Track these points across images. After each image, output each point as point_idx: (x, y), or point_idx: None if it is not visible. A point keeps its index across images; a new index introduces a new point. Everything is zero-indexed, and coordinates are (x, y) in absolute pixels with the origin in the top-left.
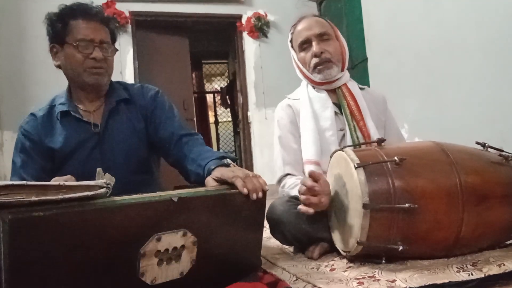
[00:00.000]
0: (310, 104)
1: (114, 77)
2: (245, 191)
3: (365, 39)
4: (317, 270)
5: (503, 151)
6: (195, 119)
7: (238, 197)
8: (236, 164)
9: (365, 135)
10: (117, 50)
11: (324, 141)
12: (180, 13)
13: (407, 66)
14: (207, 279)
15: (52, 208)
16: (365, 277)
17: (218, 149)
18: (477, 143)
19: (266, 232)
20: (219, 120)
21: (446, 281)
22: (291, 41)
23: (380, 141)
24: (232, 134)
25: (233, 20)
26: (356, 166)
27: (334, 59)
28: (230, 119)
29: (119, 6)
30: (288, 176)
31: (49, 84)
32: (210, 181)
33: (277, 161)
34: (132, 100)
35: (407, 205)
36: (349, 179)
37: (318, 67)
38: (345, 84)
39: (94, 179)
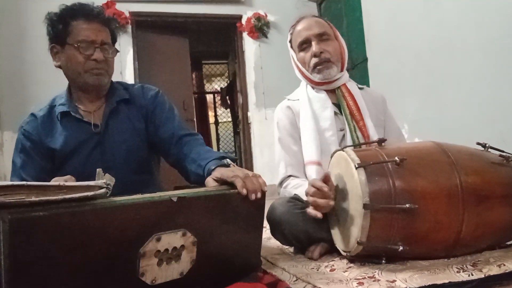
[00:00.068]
0: (309, 105)
1: (114, 77)
2: (244, 191)
3: (365, 39)
4: (317, 270)
5: (503, 151)
6: (195, 119)
7: (237, 197)
8: (236, 164)
9: (365, 135)
10: (118, 51)
11: (324, 141)
12: (180, 13)
13: (407, 66)
14: (207, 279)
15: (52, 208)
16: (365, 278)
17: (218, 149)
18: (478, 143)
19: (266, 232)
20: (219, 121)
21: (446, 281)
22: (290, 41)
23: (381, 141)
24: (232, 134)
25: (233, 21)
26: (356, 166)
27: (333, 59)
28: (230, 119)
29: (119, 6)
30: (291, 178)
31: (49, 84)
32: (210, 181)
33: (279, 164)
34: (132, 100)
35: (407, 205)
36: (349, 179)
37: (318, 67)
38: (344, 84)
39: (94, 179)
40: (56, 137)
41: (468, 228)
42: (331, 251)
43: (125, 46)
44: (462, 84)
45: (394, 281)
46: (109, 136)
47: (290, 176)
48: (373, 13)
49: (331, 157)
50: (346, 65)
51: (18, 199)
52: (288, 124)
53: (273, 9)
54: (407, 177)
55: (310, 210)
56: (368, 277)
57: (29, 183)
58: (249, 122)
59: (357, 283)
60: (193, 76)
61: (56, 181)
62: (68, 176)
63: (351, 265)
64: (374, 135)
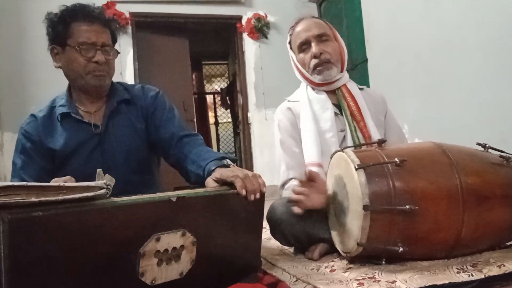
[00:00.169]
0: (309, 106)
1: (114, 78)
2: (243, 192)
3: (365, 39)
4: (317, 271)
5: (503, 152)
6: (195, 120)
7: (236, 197)
8: (236, 164)
9: (366, 136)
10: (118, 52)
11: (324, 142)
12: (180, 14)
13: (407, 66)
14: (207, 279)
15: (52, 208)
16: (365, 278)
17: (218, 150)
18: (478, 144)
19: (266, 233)
20: (219, 121)
21: (446, 282)
22: (289, 42)
23: (381, 142)
24: (232, 135)
25: (233, 21)
26: (356, 167)
27: (333, 60)
28: (230, 120)
29: (119, 7)
30: (293, 180)
31: (49, 84)
32: (210, 182)
33: (280, 166)
34: (132, 101)
35: (407, 206)
36: (349, 180)
37: (318, 68)
38: (344, 85)
39: (95, 180)
40: (57, 138)
41: (468, 229)
42: (331, 251)
43: (125, 46)
44: (462, 84)
45: (394, 281)
46: (109, 137)
47: (291, 178)
48: (373, 13)
49: (331, 158)
50: (346, 65)
51: (18, 199)
52: (289, 125)
53: (273, 9)
54: (407, 178)
55: (294, 208)
56: (368, 277)
57: (29, 183)
58: (249, 122)
59: (357, 284)
60: (193, 76)
61: (55, 182)
62: (68, 177)
63: (351, 265)
64: (375, 135)
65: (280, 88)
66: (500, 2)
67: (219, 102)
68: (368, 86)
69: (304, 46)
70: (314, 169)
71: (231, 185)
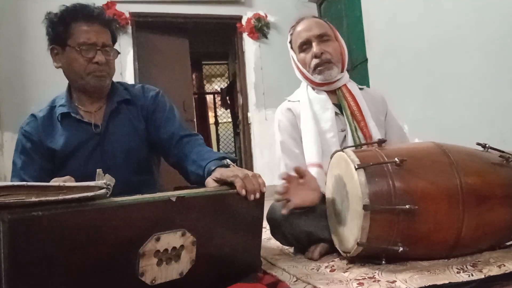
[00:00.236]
0: (310, 106)
1: (114, 78)
2: (243, 192)
3: (365, 40)
4: (317, 271)
5: (503, 152)
6: (195, 120)
7: (236, 197)
8: (236, 164)
9: (367, 136)
10: (119, 52)
11: (325, 142)
12: (180, 14)
13: (407, 66)
14: (207, 279)
15: (51, 208)
16: (365, 278)
17: (218, 150)
18: (478, 144)
19: (266, 233)
20: (219, 121)
21: (446, 282)
22: (290, 42)
23: (381, 142)
24: (232, 135)
25: (233, 21)
26: (356, 167)
27: (334, 60)
28: (230, 120)
29: (119, 7)
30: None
31: (49, 84)
32: (210, 182)
33: (280, 166)
34: (132, 100)
35: (407, 206)
36: (349, 180)
37: (319, 68)
38: (345, 85)
39: (95, 180)
40: (57, 138)
41: (468, 229)
42: (331, 251)
43: (125, 46)
44: (462, 84)
45: (394, 281)
46: (109, 137)
47: None
48: (373, 13)
49: (331, 157)
50: (346, 65)
51: (18, 199)
52: (289, 126)
53: (273, 9)
54: (407, 178)
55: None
56: (368, 277)
57: (29, 183)
58: (249, 122)
59: (357, 284)
60: (193, 76)
61: (55, 182)
62: (67, 177)
63: (351, 265)
64: (376, 135)
65: (280, 88)
66: (500, 2)
67: (219, 102)
68: (368, 86)
69: (305, 46)
70: (314, 169)
71: (231, 185)
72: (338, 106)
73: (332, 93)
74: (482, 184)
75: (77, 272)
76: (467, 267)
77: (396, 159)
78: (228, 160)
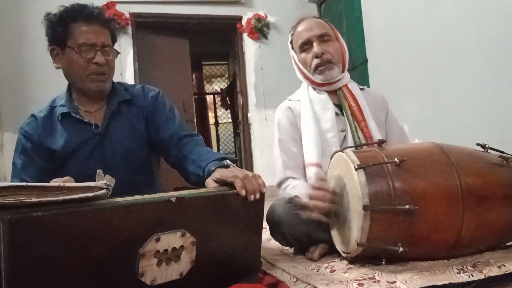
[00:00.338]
0: (310, 106)
1: (114, 78)
2: (243, 192)
3: (365, 40)
4: (317, 271)
5: (503, 152)
6: (195, 120)
7: (236, 197)
8: (236, 165)
9: (367, 136)
10: (118, 53)
11: (325, 142)
12: (180, 14)
13: (407, 66)
14: (207, 280)
15: (51, 208)
16: (365, 279)
17: (218, 150)
18: (478, 144)
19: (266, 233)
20: (219, 121)
21: (446, 282)
22: (291, 42)
23: (381, 142)
24: (232, 135)
25: (233, 22)
26: (356, 167)
27: (334, 60)
28: (230, 120)
29: (120, 7)
30: (290, 179)
31: (49, 84)
32: (210, 182)
33: (277, 165)
34: (133, 101)
35: (407, 206)
36: (349, 180)
37: (319, 68)
38: (345, 85)
39: (95, 180)
40: (57, 138)
41: (468, 229)
42: (331, 252)
43: (125, 47)
44: (462, 84)
45: (394, 282)
46: (109, 137)
47: (289, 178)
48: (373, 14)
49: (331, 158)
50: (347, 65)
51: (18, 200)
52: (289, 125)
53: (273, 10)
54: (407, 178)
55: (311, 214)
56: (368, 278)
57: (29, 184)
58: (249, 123)
59: (357, 284)
60: (193, 77)
61: (55, 182)
62: (67, 178)
63: (351, 266)
64: (376, 136)
65: (280, 88)
66: (500, 2)
67: (219, 103)
68: (368, 86)
69: (305, 46)
70: (314, 169)
71: (231, 185)
72: (339, 106)
73: (332, 93)
74: (482, 184)
75: (77, 273)
76: (467, 268)
77: (396, 159)
78: (228, 160)
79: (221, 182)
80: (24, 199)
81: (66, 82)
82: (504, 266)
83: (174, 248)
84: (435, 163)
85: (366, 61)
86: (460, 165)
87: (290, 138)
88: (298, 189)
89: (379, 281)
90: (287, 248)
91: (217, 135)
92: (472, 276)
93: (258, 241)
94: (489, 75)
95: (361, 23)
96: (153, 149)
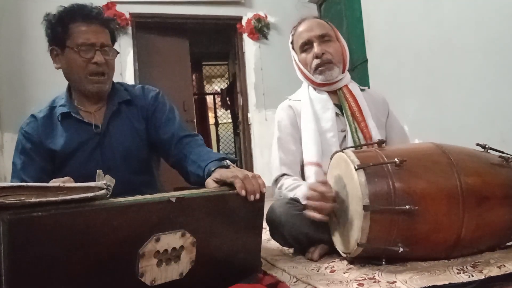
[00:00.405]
0: (311, 105)
1: (114, 78)
2: (243, 192)
3: (365, 40)
4: (317, 271)
5: (503, 152)
6: (195, 120)
7: (236, 198)
8: (236, 165)
9: (367, 136)
10: (118, 52)
11: (325, 142)
12: (180, 14)
13: (407, 66)
14: (207, 280)
15: (51, 208)
16: (365, 279)
17: (218, 150)
18: (478, 144)
19: (266, 234)
20: (219, 122)
21: (447, 282)
22: (292, 42)
23: (381, 143)
24: (232, 135)
25: (233, 22)
26: (356, 167)
27: (335, 60)
28: (230, 120)
29: (120, 7)
30: (285, 177)
31: (49, 85)
32: (210, 183)
33: (274, 161)
34: (133, 101)
35: (407, 206)
36: (349, 180)
37: (320, 68)
38: (346, 85)
39: (95, 180)
40: (57, 138)
41: (468, 229)
42: (331, 252)
43: (125, 47)
44: (462, 84)
45: (394, 282)
46: (109, 137)
47: (284, 174)
48: (373, 14)
49: (331, 158)
50: (347, 66)
51: (18, 200)
52: (289, 123)
53: (273, 10)
54: (407, 178)
55: (314, 214)
56: (368, 278)
57: (29, 184)
58: (249, 123)
59: (357, 284)
60: (193, 77)
61: (54, 183)
62: (67, 178)
63: (351, 266)
64: (376, 136)
65: (280, 88)
66: (500, 2)
67: (219, 103)
68: (368, 86)
69: (306, 46)
70: (313, 168)
71: (231, 185)
72: (339, 106)
73: (333, 93)
74: (482, 184)
75: (77, 273)
76: (467, 268)
77: (396, 159)
78: (228, 160)
79: (221, 182)
80: (24, 199)
81: (66, 82)
82: (504, 266)
83: (174, 248)
84: (435, 163)
85: (366, 61)
86: (460, 166)
87: (289, 136)
88: (294, 189)
89: (379, 281)
90: (287, 248)
91: (217, 135)
92: (472, 276)
93: (258, 241)
94: (489, 75)
95: (361, 24)
96: (153, 149)
